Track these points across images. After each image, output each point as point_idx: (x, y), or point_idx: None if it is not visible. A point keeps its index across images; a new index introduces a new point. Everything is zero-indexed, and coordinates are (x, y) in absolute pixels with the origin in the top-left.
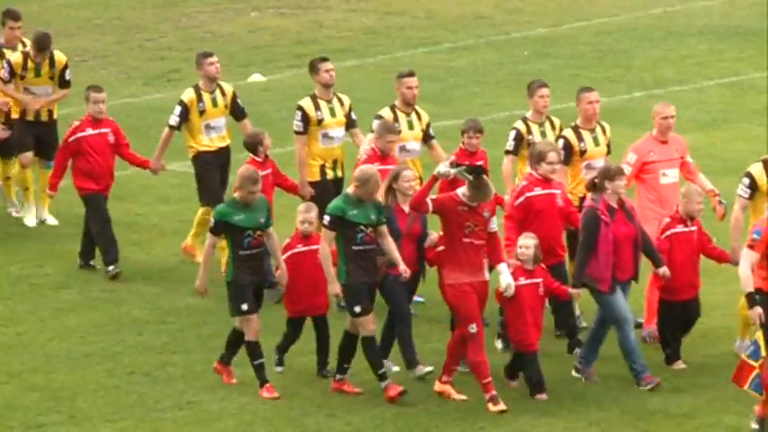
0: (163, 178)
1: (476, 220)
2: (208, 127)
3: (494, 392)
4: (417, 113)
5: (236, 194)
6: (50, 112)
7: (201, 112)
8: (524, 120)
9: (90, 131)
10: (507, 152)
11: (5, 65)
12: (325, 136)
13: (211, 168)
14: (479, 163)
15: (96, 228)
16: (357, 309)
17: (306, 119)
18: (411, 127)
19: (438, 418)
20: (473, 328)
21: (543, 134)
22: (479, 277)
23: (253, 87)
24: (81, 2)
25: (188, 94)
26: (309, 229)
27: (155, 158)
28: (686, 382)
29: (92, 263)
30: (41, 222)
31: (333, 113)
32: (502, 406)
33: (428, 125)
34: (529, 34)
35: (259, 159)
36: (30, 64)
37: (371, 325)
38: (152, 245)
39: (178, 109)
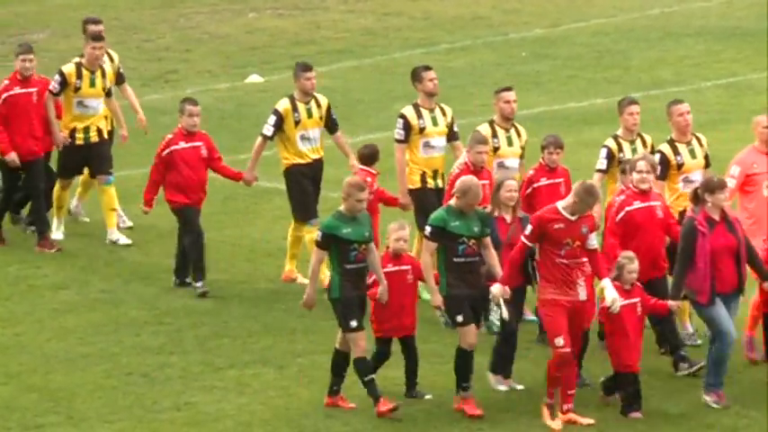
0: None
1: (574, 237)
2: (303, 138)
3: (567, 406)
4: (517, 129)
5: (342, 206)
6: (99, 131)
7: (297, 123)
8: (615, 137)
9: (183, 145)
10: (599, 171)
11: (57, 76)
12: (427, 145)
13: (305, 182)
14: (559, 180)
15: (188, 240)
16: (459, 318)
17: (408, 127)
18: (510, 143)
19: (437, 419)
20: (560, 342)
21: (635, 151)
22: (574, 296)
23: (250, 88)
24: (79, 3)
25: (283, 104)
26: (403, 247)
27: (248, 170)
28: (684, 382)
29: (187, 280)
30: (113, 243)
31: (435, 123)
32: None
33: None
34: (526, 35)
35: (374, 172)
36: (84, 73)
37: (472, 337)
38: (150, 246)
39: (273, 119)
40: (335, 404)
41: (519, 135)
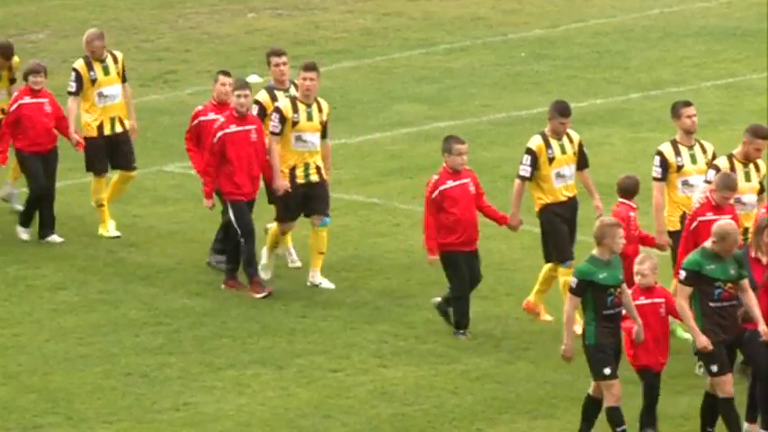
0: (160, 179)
1: None
2: (558, 176)
3: None
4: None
5: (596, 250)
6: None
7: (551, 160)
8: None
9: (234, 128)
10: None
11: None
12: (685, 183)
13: (559, 221)
14: None
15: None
16: (714, 368)
17: (665, 164)
18: (748, 179)
19: (435, 419)
20: None
21: (693, 158)
22: None
23: None
24: (78, 3)
25: (535, 142)
26: (645, 282)
27: (512, 215)
28: (684, 383)
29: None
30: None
31: (693, 160)
32: None
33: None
34: (526, 35)
35: (634, 206)
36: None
37: (729, 386)
38: (149, 246)
39: (528, 158)
40: None
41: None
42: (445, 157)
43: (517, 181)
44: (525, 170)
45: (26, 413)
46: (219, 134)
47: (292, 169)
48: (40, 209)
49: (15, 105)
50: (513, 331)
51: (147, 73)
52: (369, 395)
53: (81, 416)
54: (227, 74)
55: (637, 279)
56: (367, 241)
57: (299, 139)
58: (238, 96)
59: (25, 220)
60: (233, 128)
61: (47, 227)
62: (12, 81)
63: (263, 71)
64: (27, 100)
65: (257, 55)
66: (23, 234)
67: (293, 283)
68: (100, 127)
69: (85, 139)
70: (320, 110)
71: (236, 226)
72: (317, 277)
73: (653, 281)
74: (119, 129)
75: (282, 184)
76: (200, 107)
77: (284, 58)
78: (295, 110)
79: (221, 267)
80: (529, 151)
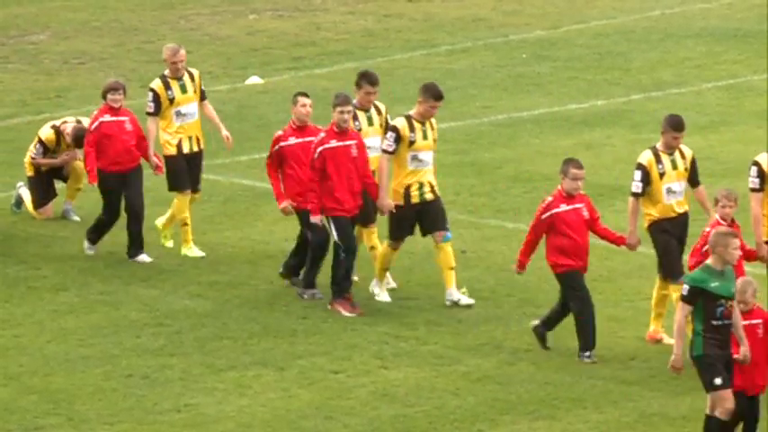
0: (160, 180)
1: None
2: (669, 191)
3: None
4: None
5: (709, 259)
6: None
7: (662, 175)
8: None
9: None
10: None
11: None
12: None
13: (669, 237)
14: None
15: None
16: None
17: (762, 175)
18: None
19: (436, 420)
20: None
21: None
22: None
23: (250, 90)
24: (79, 4)
25: (646, 157)
26: (746, 308)
27: (630, 233)
28: (685, 384)
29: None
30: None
31: None
32: None
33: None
34: (527, 36)
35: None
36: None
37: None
38: (150, 247)
39: (638, 174)
40: None
41: None
42: (561, 178)
43: (631, 198)
44: (637, 186)
45: (27, 414)
46: (320, 149)
47: (407, 188)
48: (129, 228)
49: (96, 123)
50: (515, 332)
51: (148, 74)
52: (370, 396)
53: (82, 417)
54: (305, 95)
55: (740, 307)
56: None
57: (414, 158)
58: (341, 112)
59: (94, 237)
60: (333, 143)
61: (136, 246)
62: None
63: (264, 72)
64: (107, 118)
65: (258, 56)
66: (90, 250)
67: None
68: (179, 145)
69: (165, 157)
70: (432, 128)
71: (338, 241)
72: (454, 294)
73: (753, 304)
74: (195, 148)
75: (388, 203)
76: (280, 132)
77: (377, 89)
78: (412, 129)
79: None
80: (639, 166)
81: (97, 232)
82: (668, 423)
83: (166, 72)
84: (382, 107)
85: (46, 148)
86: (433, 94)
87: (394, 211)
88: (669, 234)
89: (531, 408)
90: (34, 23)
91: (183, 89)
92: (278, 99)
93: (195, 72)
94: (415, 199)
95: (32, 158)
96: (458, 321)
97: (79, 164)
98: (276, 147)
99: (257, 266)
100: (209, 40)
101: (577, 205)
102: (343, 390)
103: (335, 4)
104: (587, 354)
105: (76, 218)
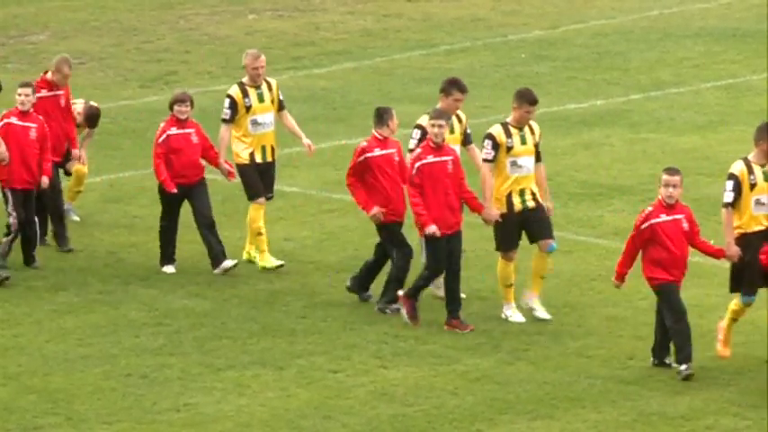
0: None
1: None
2: (757, 203)
3: None
4: None
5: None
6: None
7: (752, 186)
8: None
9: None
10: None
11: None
12: None
13: (753, 251)
14: None
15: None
16: None
17: None
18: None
19: (435, 420)
20: None
21: None
22: None
23: None
24: (78, 4)
25: (738, 167)
26: None
27: (727, 245)
28: (683, 384)
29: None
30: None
31: None
32: None
33: None
34: (526, 36)
35: None
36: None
37: None
38: (149, 247)
39: (730, 184)
40: None
41: None
42: (657, 187)
43: (724, 210)
44: (729, 196)
45: (26, 414)
46: (417, 165)
47: (509, 196)
48: (205, 240)
49: (164, 137)
50: (513, 332)
51: (148, 74)
52: (369, 396)
53: (81, 417)
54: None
55: None
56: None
57: (514, 164)
58: (434, 126)
59: (166, 254)
60: (430, 158)
61: (219, 255)
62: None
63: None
64: (174, 131)
65: None
66: (169, 269)
67: (293, 283)
68: (252, 155)
69: (238, 166)
70: (532, 132)
71: (425, 262)
72: (533, 301)
73: None
74: (269, 158)
75: (494, 213)
76: (364, 143)
77: (465, 96)
78: (508, 135)
79: (395, 311)
80: (731, 176)
81: (165, 248)
82: (666, 422)
83: (245, 79)
84: (463, 117)
85: None
86: (527, 99)
87: (500, 220)
88: (753, 248)
89: (530, 407)
90: (33, 23)
91: (261, 98)
92: None
93: (273, 82)
94: (518, 206)
95: None
96: None
97: (81, 168)
98: (362, 157)
99: (256, 266)
100: (208, 39)
101: (677, 216)
102: (342, 389)
103: (334, 4)
104: (685, 367)
105: (76, 217)
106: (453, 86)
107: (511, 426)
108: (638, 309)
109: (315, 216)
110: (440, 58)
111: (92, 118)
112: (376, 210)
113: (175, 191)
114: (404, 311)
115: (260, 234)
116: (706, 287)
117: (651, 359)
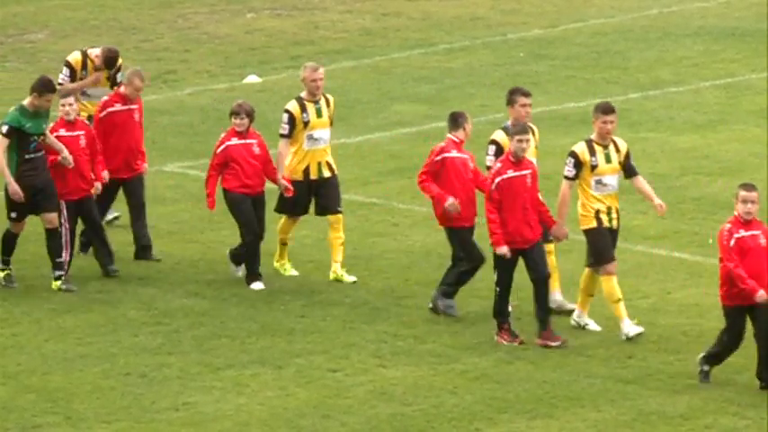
0: (159, 179)
1: None
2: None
3: None
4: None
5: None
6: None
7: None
8: None
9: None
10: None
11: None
12: None
13: None
14: None
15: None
16: None
17: None
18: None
19: (434, 419)
20: None
21: None
22: None
23: (249, 88)
24: (77, 3)
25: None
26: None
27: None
28: (682, 383)
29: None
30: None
31: None
32: None
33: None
34: (525, 35)
35: None
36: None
37: None
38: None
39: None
40: None
41: None
42: (734, 203)
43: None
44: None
45: (25, 413)
46: (497, 180)
47: (597, 213)
48: (247, 252)
49: (222, 147)
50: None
51: (146, 73)
52: (368, 395)
53: (80, 416)
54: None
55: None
56: (366, 241)
57: (599, 183)
58: (519, 141)
59: (239, 260)
60: (510, 173)
61: (254, 271)
62: (113, 82)
63: (262, 71)
64: (234, 141)
65: (256, 55)
66: (238, 272)
67: (292, 282)
68: (306, 170)
69: (290, 182)
70: (618, 150)
71: (496, 279)
72: (583, 318)
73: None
74: (326, 173)
75: (563, 231)
76: (442, 143)
77: (530, 100)
78: (592, 153)
79: (450, 313)
80: None
81: (240, 256)
82: (666, 422)
83: (303, 94)
84: (535, 129)
85: (72, 70)
86: (601, 108)
87: (567, 239)
88: None
89: (529, 406)
90: (32, 22)
91: (319, 113)
92: (276, 98)
93: (331, 98)
94: (606, 224)
95: (60, 84)
96: (456, 320)
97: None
98: (439, 157)
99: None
100: (207, 38)
101: (754, 232)
102: (341, 388)
103: (333, 2)
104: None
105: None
106: (516, 93)
107: (510, 425)
108: (636, 308)
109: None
110: (439, 57)
111: (110, 59)
112: (451, 199)
113: (213, 209)
114: (504, 342)
115: (284, 244)
116: (706, 287)
117: (758, 383)
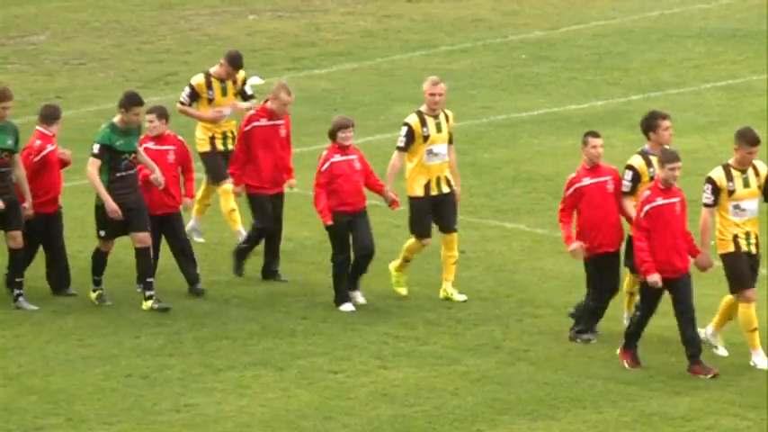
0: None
1: None
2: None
3: None
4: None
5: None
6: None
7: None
8: None
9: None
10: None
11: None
12: None
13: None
14: None
15: None
16: None
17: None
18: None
19: (435, 420)
20: None
21: None
22: None
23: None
24: (78, 4)
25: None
26: None
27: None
28: (683, 384)
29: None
30: None
31: None
32: None
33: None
34: (526, 37)
35: None
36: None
37: None
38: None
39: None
40: None
41: None
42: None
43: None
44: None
45: (27, 414)
46: (646, 208)
47: (735, 237)
48: (359, 266)
49: (327, 164)
50: (514, 333)
51: (148, 75)
52: (369, 396)
53: (81, 417)
54: (596, 135)
55: None
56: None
57: (737, 207)
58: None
59: (343, 291)
60: (660, 200)
61: (355, 285)
62: (241, 95)
63: (264, 73)
64: (338, 158)
65: (258, 57)
66: (348, 307)
67: (293, 284)
68: (426, 186)
69: (410, 198)
70: (757, 174)
71: (641, 304)
72: (717, 338)
73: None
74: (445, 189)
75: (707, 261)
76: (573, 174)
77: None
78: (729, 178)
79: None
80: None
81: (342, 279)
82: (667, 423)
83: (423, 108)
84: (450, 115)
85: (194, 93)
86: (747, 139)
87: (712, 268)
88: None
89: (531, 408)
90: (34, 24)
91: (439, 128)
92: None
93: (450, 113)
94: (744, 248)
95: (180, 104)
96: (457, 321)
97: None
98: (571, 189)
99: (256, 266)
100: (208, 40)
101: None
102: (343, 390)
103: (335, 4)
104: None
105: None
106: (657, 118)
107: (511, 426)
108: None
109: (315, 216)
110: (440, 59)
111: (234, 58)
112: (576, 245)
113: (331, 222)
114: (627, 365)
115: (407, 261)
116: (706, 287)
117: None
